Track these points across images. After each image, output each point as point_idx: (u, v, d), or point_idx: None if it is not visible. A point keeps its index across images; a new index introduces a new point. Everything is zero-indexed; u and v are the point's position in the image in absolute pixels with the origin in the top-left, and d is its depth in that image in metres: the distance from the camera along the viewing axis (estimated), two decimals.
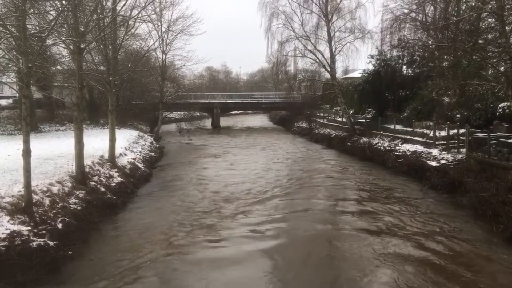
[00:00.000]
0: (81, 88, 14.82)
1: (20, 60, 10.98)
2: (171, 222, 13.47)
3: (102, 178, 16.15)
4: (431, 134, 22.53)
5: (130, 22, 19.58)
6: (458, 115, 22.87)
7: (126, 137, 26.16)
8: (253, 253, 10.96)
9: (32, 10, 12.68)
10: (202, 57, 50.48)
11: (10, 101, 49.01)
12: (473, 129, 19.70)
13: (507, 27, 16.12)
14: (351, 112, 35.27)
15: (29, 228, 9.98)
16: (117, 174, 17.53)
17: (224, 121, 57.77)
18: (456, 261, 10.20)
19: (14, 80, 24.20)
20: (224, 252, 11.04)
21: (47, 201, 11.74)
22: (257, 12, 38.60)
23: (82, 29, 14.02)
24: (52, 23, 12.27)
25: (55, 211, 11.57)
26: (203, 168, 24.03)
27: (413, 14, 28.23)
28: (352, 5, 34.76)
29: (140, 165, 21.58)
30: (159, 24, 32.86)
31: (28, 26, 11.70)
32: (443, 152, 20.39)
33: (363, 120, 32.85)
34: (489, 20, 18.31)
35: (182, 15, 33.76)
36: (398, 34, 29.14)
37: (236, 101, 58.24)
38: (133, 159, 21.67)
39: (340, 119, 37.49)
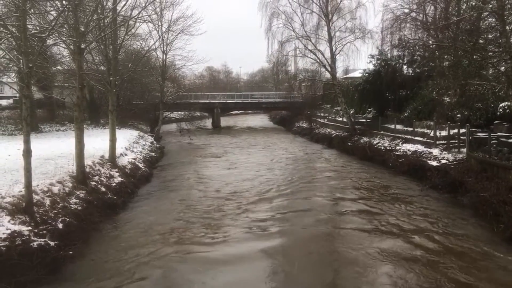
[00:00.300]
0: (82, 88, 14.82)
1: (21, 60, 10.99)
2: (172, 221, 13.47)
3: (102, 178, 16.15)
4: (431, 134, 22.53)
5: (130, 22, 19.60)
6: (458, 115, 22.86)
7: (126, 137, 26.17)
8: (254, 252, 10.96)
9: (32, 10, 12.68)
10: (202, 57, 50.63)
11: (11, 101, 49.03)
12: (473, 129, 19.69)
13: (507, 27, 16.11)
14: (352, 112, 35.26)
15: (29, 228, 9.98)
16: (117, 174, 17.53)
17: (224, 121, 57.79)
18: (456, 260, 10.18)
19: (15, 80, 24.25)
20: (225, 251, 11.04)
21: (47, 201, 11.74)
22: (258, 12, 38.75)
23: (82, 29, 14.02)
24: (53, 23, 12.27)
25: (55, 211, 11.58)
26: (203, 167, 24.03)
27: (413, 14, 28.18)
28: (352, 5, 34.80)
29: (141, 165, 21.58)
30: (160, 24, 32.95)
31: (28, 26, 11.72)
32: (444, 152, 20.39)
33: (364, 120, 32.85)
34: (490, 19, 18.29)
35: (182, 15, 33.86)
36: (399, 33, 29.12)
37: (237, 101, 58.24)
38: (134, 159, 21.67)
39: (340, 119, 37.49)
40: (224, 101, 56.57)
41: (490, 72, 19.82)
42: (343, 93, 35.90)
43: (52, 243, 9.88)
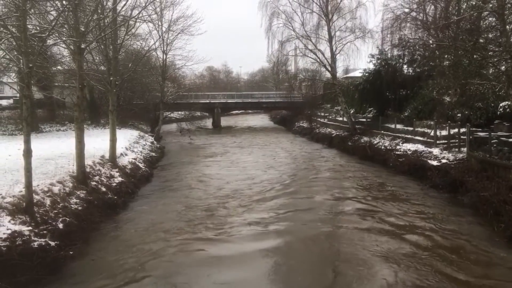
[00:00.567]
0: (82, 88, 14.82)
1: (21, 60, 10.99)
2: (172, 221, 13.47)
3: (103, 178, 16.16)
4: (432, 134, 22.52)
5: (130, 22, 19.60)
6: (459, 115, 22.84)
7: (127, 137, 26.18)
8: (255, 252, 10.97)
9: (32, 10, 12.68)
10: (202, 57, 50.73)
11: (11, 101, 49.06)
12: (474, 128, 19.68)
13: (507, 26, 16.10)
14: (352, 111, 35.25)
15: (30, 228, 9.99)
16: (118, 174, 17.53)
17: (224, 121, 57.79)
18: (457, 260, 10.19)
19: (15, 80, 24.27)
20: (226, 251, 11.05)
21: (48, 201, 11.74)
22: (258, 12, 38.63)
23: (82, 29, 14.02)
24: (53, 23, 12.27)
25: (56, 211, 11.58)
26: (204, 167, 24.03)
27: (413, 14, 28.19)
28: (352, 4, 34.77)
29: (141, 165, 21.58)
30: (160, 24, 32.93)
31: (28, 26, 11.72)
32: (444, 152, 20.39)
33: (364, 120, 32.84)
34: (490, 19, 18.28)
35: (182, 15, 33.84)
36: (399, 33, 29.11)
37: (237, 100, 58.23)
38: (134, 159, 21.67)
39: (340, 119, 37.49)
40: (225, 101, 56.56)
41: (490, 72, 19.80)
42: (343, 92, 35.89)
43: (52, 243, 9.89)
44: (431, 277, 9.26)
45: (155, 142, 32.03)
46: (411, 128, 25.17)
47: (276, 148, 32.51)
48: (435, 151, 20.82)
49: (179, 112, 49.60)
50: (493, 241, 11.40)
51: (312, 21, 35.01)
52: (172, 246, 11.37)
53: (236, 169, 23.11)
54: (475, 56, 17.56)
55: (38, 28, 13.69)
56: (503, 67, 17.61)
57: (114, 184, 16.35)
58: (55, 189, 12.62)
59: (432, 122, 23.31)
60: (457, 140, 20.66)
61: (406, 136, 25.03)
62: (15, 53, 12.22)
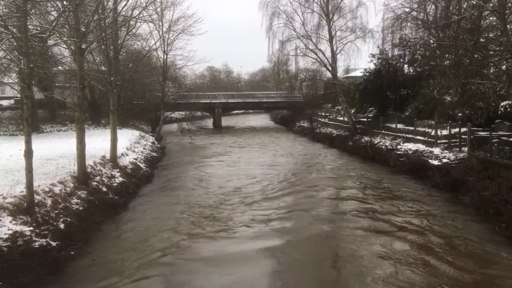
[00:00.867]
0: (83, 89, 14.83)
1: (22, 61, 11.02)
2: (173, 221, 13.48)
3: (104, 178, 16.16)
4: (432, 133, 22.51)
5: (131, 22, 19.59)
6: (459, 114, 22.83)
7: (127, 137, 26.19)
8: (256, 252, 10.97)
9: (33, 10, 12.69)
10: (203, 57, 50.70)
11: (12, 101, 49.11)
12: (474, 128, 19.66)
13: (508, 26, 16.09)
14: (353, 111, 35.24)
15: (31, 228, 9.99)
16: (118, 174, 17.54)
17: (225, 121, 57.79)
18: (458, 259, 10.17)
19: (16, 80, 24.24)
20: (227, 250, 11.06)
21: (49, 202, 11.75)
22: (258, 12, 38.59)
23: (83, 30, 14.03)
24: (54, 24, 12.29)
25: (57, 211, 11.58)
26: (205, 167, 24.03)
27: (414, 13, 28.20)
28: (353, 4, 34.71)
29: (142, 165, 21.59)
30: (160, 24, 32.91)
31: (29, 26, 11.74)
32: (445, 151, 20.37)
33: (365, 119, 32.82)
34: (491, 18, 18.26)
35: (183, 15, 33.79)
36: (399, 33, 29.12)
37: (238, 100, 58.21)
38: (135, 159, 21.68)
39: (341, 118, 37.47)
40: (225, 101, 56.55)
41: (491, 71, 19.78)
42: (344, 92, 35.87)
43: (53, 243, 9.90)
44: (431, 276, 9.26)
45: (155, 142, 32.04)
46: (412, 128, 25.15)
47: (277, 148, 32.52)
48: (436, 150, 20.80)
49: (180, 112, 49.59)
50: (494, 241, 11.40)
51: (313, 21, 35.04)
52: (173, 245, 11.37)
53: (237, 169, 23.12)
54: (475, 55, 17.55)
55: (39, 29, 13.72)
56: (504, 66, 17.61)
57: (115, 184, 16.36)
58: (56, 189, 12.62)
59: (433, 122, 23.30)
60: (458, 140, 20.64)
61: (407, 135, 25.02)
62: (16, 53, 12.26)
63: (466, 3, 20.34)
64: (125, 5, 17.98)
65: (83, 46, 14.50)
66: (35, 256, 9.18)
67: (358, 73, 42.12)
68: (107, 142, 19.25)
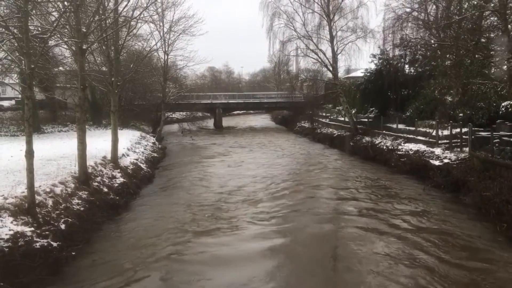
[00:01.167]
0: (84, 89, 14.83)
1: (23, 61, 11.01)
2: (174, 222, 13.48)
3: (104, 179, 16.17)
4: (433, 133, 22.49)
5: (132, 23, 19.60)
6: (460, 114, 22.82)
7: (128, 138, 26.19)
8: (257, 254, 10.95)
9: (34, 11, 12.69)
10: (204, 57, 50.71)
11: (13, 102, 49.17)
12: (476, 128, 19.64)
13: (509, 26, 16.09)
14: (354, 111, 35.24)
15: (32, 229, 10.00)
16: (119, 174, 17.54)
17: (226, 121, 57.80)
18: (459, 260, 10.17)
19: (17, 81, 24.26)
20: (228, 251, 11.06)
21: (50, 202, 11.75)
22: (259, 12, 38.63)
23: (84, 30, 14.03)
24: (54, 24, 12.30)
25: (58, 211, 11.59)
26: (205, 168, 24.02)
27: (415, 13, 28.20)
28: (354, 4, 34.73)
29: (143, 166, 21.60)
30: (161, 24, 32.95)
31: (30, 27, 11.75)
32: (446, 151, 20.35)
33: (366, 120, 32.81)
34: (492, 18, 18.29)
35: (184, 16, 33.87)
36: (400, 33, 29.11)
37: (238, 101, 58.22)
38: (136, 159, 21.69)
39: (342, 119, 37.46)
40: (226, 101, 56.56)
41: (492, 71, 19.79)
42: (345, 92, 35.87)
43: (54, 244, 9.90)
44: (431, 276, 9.24)
45: (156, 142, 32.05)
46: (413, 128, 25.13)
47: (278, 148, 32.51)
48: (437, 151, 20.78)
49: (181, 113, 49.65)
50: (495, 241, 11.38)
51: (314, 21, 35.05)
52: (174, 246, 11.37)
53: (238, 169, 23.12)
54: (476, 55, 17.57)
55: (40, 29, 13.74)
56: (505, 66, 17.61)
57: (116, 184, 16.36)
58: (57, 190, 12.63)
59: (434, 122, 23.28)
60: (459, 140, 20.63)
61: (408, 136, 24.99)
62: (17, 54, 12.26)
63: (467, 3, 20.37)
64: (126, 5, 18.01)
65: (84, 47, 14.50)
66: (36, 256, 9.18)
67: (359, 73, 42.13)
68: (108, 143, 19.26)
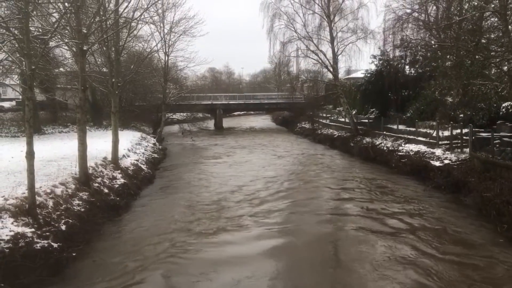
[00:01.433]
0: (84, 90, 14.84)
1: (23, 62, 11.02)
2: (174, 223, 13.48)
3: (105, 180, 16.17)
4: (434, 134, 22.49)
5: (132, 24, 19.64)
6: (461, 115, 22.81)
7: (129, 139, 26.19)
8: (257, 253, 10.97)
9: (35, 12, 12.70)
10: (204, 58, 50.82)
11: (13, 103, 49.21)
12: (476, 129, 19.64)
13: (510, 26, 16.08)
14: (354, 112, 35.26)
15: (32, 229, 10.01)
16: (120, 175, 17.55)
17: (226, 122, 57.81)
18: (460, 261, 10.17)
19: (17, 82, 24.30)
20: (229, 252, 11.05)
21: (50, 203, 11.76)
22: (259, 13, 38.53)
23: (84, 31, 14.04)
24: (55, 25, 12.33)
25: (58, 212, 11.60)
26: (206, 169, 24.02)
27: (415, 14, 28.18)
28: (354, 5, 34.78)
29: (143, 167, 21.61)
30: (162, 25, 33.01)
31: (31, 28, 11.75)
32: (447, 152, 20.35)
33: (366, 121, 32.82)
34: (492, 19, 18.28)
35: (184, 17, 33.92)
36: (401, 34, 29.12)
37: (239, 102, 58.22)
38: (136, 160, 21.70)
39: (343, 120, 37.46)
40: (226, 102, 56.55)
41: (492, 72, 19.79)
42: (345, 93, 35.89)
43: (55, 245, 9.91)
44: (431, 278, 9.24)
45: (157, 143, 32.05)
46: (413, 129, 25.13)
47: (278, 149, 32.50)
48: (438, 151, 20.78)
49: (181, 114, 49.63)
50: (496, 242, 11.37)
51: (314, 22, 35.10)
52: (175, 247, 11.37)
53: (238, 170, 23.11)
54: (477, 56, 17.56)
55: (40, 30, 13.73)
56: (506, 67, 17.61)
57: (117, 185, 16.37)
58: (58, 191, 12.64)
59: (434, 123, 23.28)
60: (459, 141, 20.63)
61: (409, 136, 25.00)
62: (18, 55, 12.26)
63: (467, 4, 20.34)
64: (127, 7, 18.10)
65: (85, 48, 14.52)
66: (37, 257, 9.19)
67: (359, 74, 42.13)
68: (108, 144, 19.28)
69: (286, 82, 57.86)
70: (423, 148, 22.39)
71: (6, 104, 48.57)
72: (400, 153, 23.29)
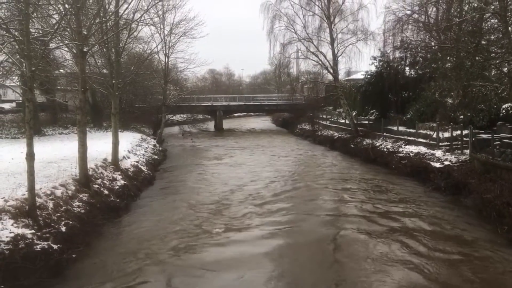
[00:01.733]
0: (84, 92, 14.85)
1: (24, 64, 11.02)
2: (174, 224, 13.47)
3: (105, 181, 16.17)
4: (434, 136, 22.49)
5: (132, 25, 19.65)
6: (461, 116, 22.82)
7: (129, 140, 26.19)
8: (257, 254, 10.93)
9: (35, 14, 12.71)
10: (204, 59, 50.76)
11: (14, 104, 49.19)
12: (476, 130, 19.66)
13: (510, 28, 16.10)
14: (354, 113, 35.26)
15: (32, 231, 10.00)
16: (120, 177, 17.55)
17: (227, 124, 57.82)
18: (460, 262, 10.16)
19: (18, 83, 24.29)
20: (229, 254, 11.03)
21: (50, 204, 11.76)
22: (260, 15, 38.53)
23: (85, 33, 14.05)
24: (55, 27, 12.33)
25: (58, 214, 11.59)
26: (206, 170, 24.02)
27: (415, 15, 28.20)
28: (354, 6, 34.81)
29: (143, 168, 21.60)
30: (162, 27, 32.96)
31: (31, 30, 11.74)
32: (447, 154, 20.35)
33: (366, 122, 32.83)
34: (492, 21, 18.30)
35: (184, 18, 33.90)
36: (401, 35, 29.17)
37: (239, 103, 58.23)
38: (136, 161, 21.70)
39: (343, 121, 37.48)
40: (227, 104, 56.58)
41: (492, 73, 19.79)
42: (345, 95, 35.90)
43: (55, 246, 9.90)
44: (432, 278, 9.23)
45: (157, 145, 32.04)
46: (414, 130, 25.14)
47: (278, 150, 32.48)
48: (438, 153, 20.78)
49: (181, 115, 49.60)
50: (496, 243, 11.36)
51: (314, 24, 35.13)
52: (175, 248, 11.36)
53: (239, 172, 23.09)
54: (477, 58, 17.57)
55: (40, 32, 13.72)
56: (506, 68, 17.61)
57: (117, 187, 16.37)
58: (58, 192, 12.64)
59: (434, 124, 23.28)
60: (459, 142, 20.63)
61: (409, 138, 25.01)
62: (18, 56, 12.26)
63: (467, 6, 20.36)
64: (127, 8, 18.09)
65: (85, 49, 14.53)
66: (37, 259, 9.19)
67: (359, 76, 42.16)
68: (108, 145, 19.28)
69: (286, 84, 57.87)
70: (423, 149, 22.40)
71: (6, 106, 48.57)
72: (400, 155, 23.29)
